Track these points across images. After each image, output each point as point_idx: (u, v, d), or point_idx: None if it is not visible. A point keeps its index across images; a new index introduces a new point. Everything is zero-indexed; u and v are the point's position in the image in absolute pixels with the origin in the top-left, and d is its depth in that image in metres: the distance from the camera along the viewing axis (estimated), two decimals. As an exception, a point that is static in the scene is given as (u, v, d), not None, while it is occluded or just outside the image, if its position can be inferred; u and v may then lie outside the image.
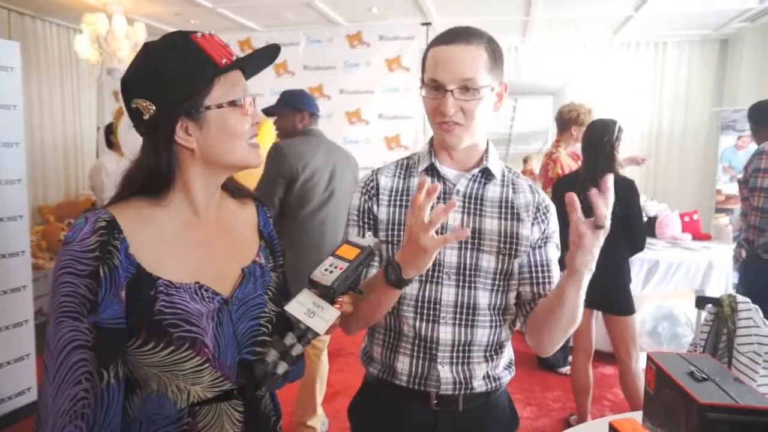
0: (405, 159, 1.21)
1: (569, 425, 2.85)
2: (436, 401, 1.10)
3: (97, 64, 4.47)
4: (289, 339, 0.84)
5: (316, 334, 0.84)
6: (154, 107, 0.82)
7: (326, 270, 0.87)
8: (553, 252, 1.15)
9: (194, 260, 0.87)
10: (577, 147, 3.33)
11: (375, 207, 1.14)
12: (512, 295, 1.14)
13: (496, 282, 1.10)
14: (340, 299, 0.87)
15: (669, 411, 1.05)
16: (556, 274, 1.14)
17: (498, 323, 1.12)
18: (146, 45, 0.85)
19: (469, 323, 1.09)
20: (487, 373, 1.12)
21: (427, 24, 4.83)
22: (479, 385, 1.11)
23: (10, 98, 2.78)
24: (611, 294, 2.52)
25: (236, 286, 0.91)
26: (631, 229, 2.46)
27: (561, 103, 3.66)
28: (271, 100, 2.58)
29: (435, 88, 1.04)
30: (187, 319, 0.82)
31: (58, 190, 5.32)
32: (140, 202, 0.86)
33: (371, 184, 1.16)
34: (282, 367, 0.83)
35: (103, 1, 4.46)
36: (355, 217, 1.16)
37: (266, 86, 4.46)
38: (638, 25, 5.12)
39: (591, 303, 2.56)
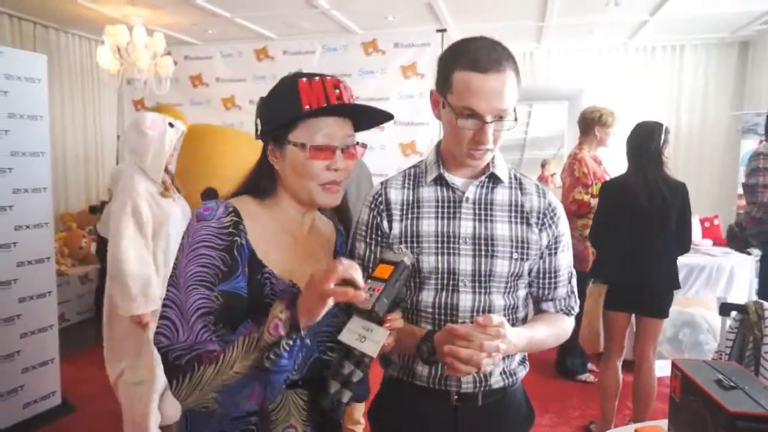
0: (412, 168, 1.21)
1: (590, 433, 2.82)
2: (456, 397, 1.13)
3: (118, 74, 4.57)
4: (347, 368, 0.89)
5: (371, 358, 0.88)
6: (261, 127, 1.03)
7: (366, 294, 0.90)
8: (563, 258, 1.18)
9: (290, 260, 1.00)
10: (600, 150, 3.33)
11: (385, 223, 1.14)
12: (523, 293, 1.19)
13: (509, 284, 1.14)
14: (389, 317, 0.90)
15: (695, 419, 1.04)
16: (563, 278, 1.19)
17: (512, 322, 1.14)
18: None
19: None
20: (504, 369, 1.16)
21: (443, 30, 4.85)
22: (496, 381, 1.15)
23: (37, 109, 2.86)
24: (661, 298, 2.52)
25: None
26: (682, 231, 2.49)
27: (577, 108, 3.66)
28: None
29: (470, 116, 1.02)
30: None
31: (80, 197, 5.43)
32: (249, 199, 1.03)
33: (380, 199, 1.16)
34: (346, 396, 0.89)
35: (123, 12, 4.56)
36: (363, 233, 1.17)
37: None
38: (654, 30, 5.09)
39: (634, 307, 2.56)
